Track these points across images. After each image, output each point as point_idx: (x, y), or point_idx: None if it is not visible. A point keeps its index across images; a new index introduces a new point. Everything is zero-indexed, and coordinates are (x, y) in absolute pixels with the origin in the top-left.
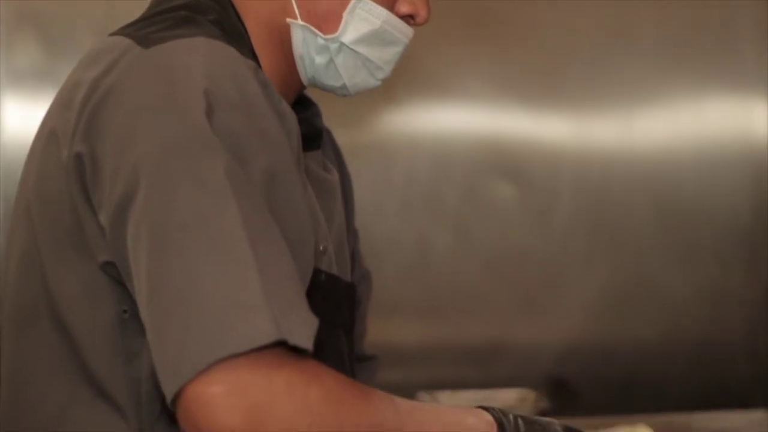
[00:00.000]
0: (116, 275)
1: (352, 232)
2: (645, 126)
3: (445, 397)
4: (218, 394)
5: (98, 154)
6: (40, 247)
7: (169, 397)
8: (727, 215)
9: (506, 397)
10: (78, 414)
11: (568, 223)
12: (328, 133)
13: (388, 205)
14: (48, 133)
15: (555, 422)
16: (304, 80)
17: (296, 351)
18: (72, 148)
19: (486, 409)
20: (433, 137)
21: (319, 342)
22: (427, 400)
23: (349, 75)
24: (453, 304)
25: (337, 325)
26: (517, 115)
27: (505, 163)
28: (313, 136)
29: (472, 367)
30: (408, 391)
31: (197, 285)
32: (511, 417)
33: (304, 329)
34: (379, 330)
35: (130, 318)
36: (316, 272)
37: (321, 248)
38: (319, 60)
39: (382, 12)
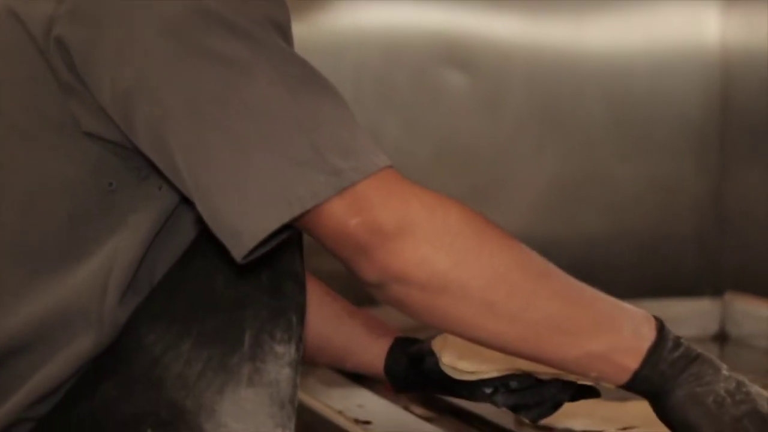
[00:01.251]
0: (104, 146)
1: None
2: (597, 18)
3: None
4: (359, 223)
5: (92, 36)
6: (15, 127)
7: (238, 259)
8: (677, 108)
9: None
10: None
11: (519, 115)
12: None
13: None
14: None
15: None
16: None
17: None
18: (51, 31)
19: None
20: (383, 28)
21: None
22: None
23: None
24: None
25: None
26: (468, 7)
27: (456, 55)
28: None
29: None
30: None
31: (245, 155)
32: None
33: (374, 151)
34: None
35: (116, 191)
36: None
37: None
38: None
39: None
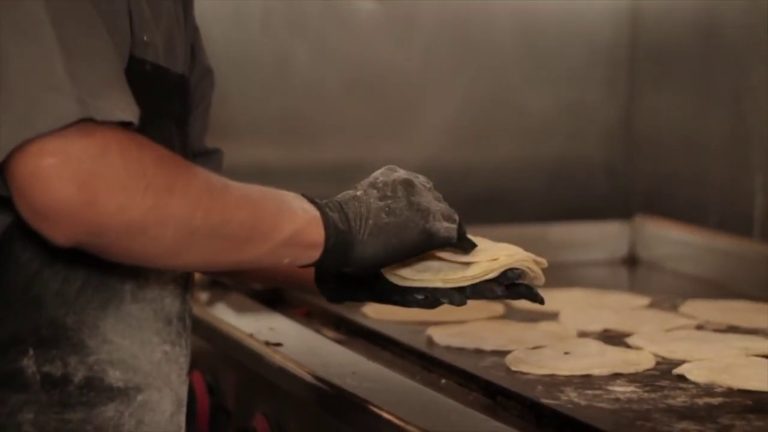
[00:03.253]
0: None
1: (190, 28)
2: None
3: None
4: (51, 165)
5: None
6: None
7: None
8: (587, 33)
9: None
10: None
11: (429, 42)
12: None
13: (248, 20)
14: None
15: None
16: None
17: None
18: None
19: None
20: None
21: (142, 130)
22: None
23: None
24: (313, 122)
25: (164, 115)
26: None
27: None
28: None
29: (333, 185)
30: None
31: (2, 67)
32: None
33: (120, 105)
34: (239, 148)
35: None
36: (140, 62)
37: (145, 39)
38: None
39: None
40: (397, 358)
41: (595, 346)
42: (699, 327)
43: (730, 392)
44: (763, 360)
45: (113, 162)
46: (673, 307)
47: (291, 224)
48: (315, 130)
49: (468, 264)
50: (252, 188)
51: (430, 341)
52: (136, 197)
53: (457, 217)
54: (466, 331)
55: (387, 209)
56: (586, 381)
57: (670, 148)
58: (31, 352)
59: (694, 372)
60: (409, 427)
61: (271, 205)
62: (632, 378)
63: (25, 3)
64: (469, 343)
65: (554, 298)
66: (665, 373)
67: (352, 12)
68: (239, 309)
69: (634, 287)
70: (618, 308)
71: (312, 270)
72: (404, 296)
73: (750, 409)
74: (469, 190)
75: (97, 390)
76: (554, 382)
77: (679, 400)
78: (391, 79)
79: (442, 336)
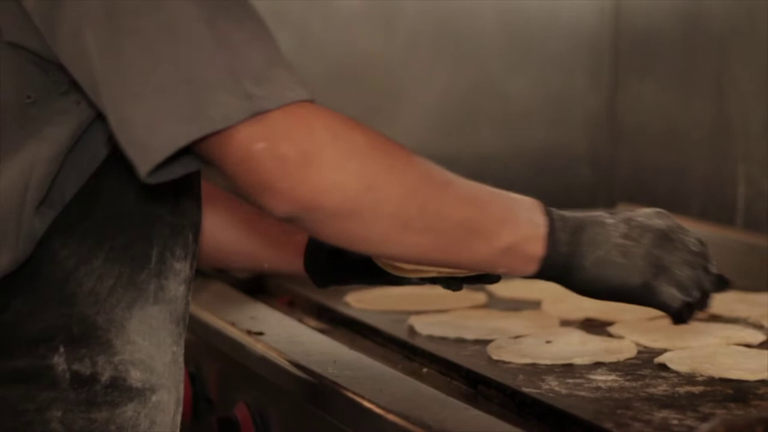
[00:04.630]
0: (27, 58)
1: None
2: None
3: None
4: (263, 149)
5: None
6: None
7: (143, 174)
8: (570, 22)
9: None
10: None
11: (412, 30)
12: None
13: None
14: None
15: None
16: None
17: None
18: None
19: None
20: None
21: None
22: None
23: None
24: None
25: None
26: None
27: None
28: None
29: None
30: None
31: (158, 66)
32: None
33: (288, 85)
34: None
35: (34, 104)
36: None
37: None
38: None
39: None
40: (378, 347)
41: (576, 335)
42: None
43: (712, 381)
44: (745, 349)
45: (321, 139)
46: None
47: (511, 235)
48: None
49: None
50: (480, 189)
51: (412, 330)
52: (350, 177)
53: (696, 295)
54: (448, 320)
55: (623, 250)
56: (567, 370)
57: (653, 138)
58: (61, 349)
59: (675, 361)
60: (389, 416)
61: (495, 211)
62: (614, 367)
63: (170, 2)
64: (451, 333)
65: (536, 287)
66: (646, 362)
67: (334, 1)
68: (220, 298)
69: None
70: None
71: (300, 256)
72: (399, 277)
73: (731, 398)
74: None
75: (120, 390)
76: (536, 371)
77: (660, 388)
78: (374, 68)
79: (423, 325)
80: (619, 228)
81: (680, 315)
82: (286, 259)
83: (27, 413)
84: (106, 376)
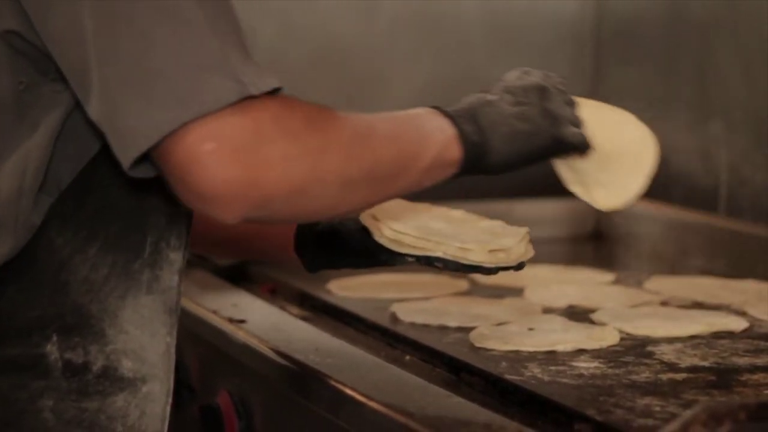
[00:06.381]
0: (18, 45)
1: None
2: None
3: None
4: (211, 151)
5: None
6: None
7: (126, 164)
8: (552, 9)
9: None
10: None
11: (394, 17)
12: None
13: None
14: None
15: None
16: None
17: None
18: None
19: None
20: None
21: None
22: None
23: None
24: None
25: None
26: None
27: None
28: None
29: None
30: None
31: (152, 50)
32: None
33: (265, 73)
34: None
35: (26, 90)
36: None
37: None
38: None
39: None
40: (360, 335)
41: (559, 322)
42: (664, 303)
43: (694, 368)
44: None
45: (268, 134)
46: (638, 284)
47: (432, 149)
48: None
49: (466, 250)
50: (392, 119)
51: (394, 318)
52: (295, 163)
53: (581, 121)
54: (431, 307)
55: (521, 116)
56: (550, 357)
57: None
58: (54, 338)
59: (658, 348)
60: (371, 403)
61: (412, 135)
62: (596, 354)
63: None
64: (434, 320)
65: (519, 274)
66: (629, 349)
67: None
68: (202, 285)
69: (599, 263)
70: (583, 284)
71: (290, 240)
72: (394, 257)
73: (714, 384)
74: None
75: (111, 379)
76: (518, 358)
77: (643, 375)
78: (356, 54)
79: (406, 312)
80: (505, 99)
81: (586, 146)
82: (276, 244)
83: (19, 402)
84: (98, 365)
